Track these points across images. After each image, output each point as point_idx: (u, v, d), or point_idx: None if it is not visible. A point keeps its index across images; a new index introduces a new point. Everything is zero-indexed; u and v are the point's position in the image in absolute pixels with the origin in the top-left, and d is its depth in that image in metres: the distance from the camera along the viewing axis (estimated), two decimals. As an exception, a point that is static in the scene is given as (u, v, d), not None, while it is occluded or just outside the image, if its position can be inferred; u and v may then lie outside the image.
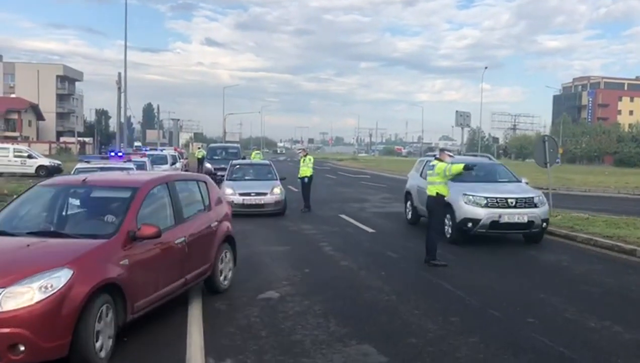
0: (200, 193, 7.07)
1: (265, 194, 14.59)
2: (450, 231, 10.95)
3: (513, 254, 10.46)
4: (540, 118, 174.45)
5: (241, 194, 14.44)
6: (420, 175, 12.77)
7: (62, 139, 76.67)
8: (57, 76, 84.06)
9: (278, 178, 15.93)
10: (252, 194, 14.50)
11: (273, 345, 5.34)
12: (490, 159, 14.55)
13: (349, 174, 40.21)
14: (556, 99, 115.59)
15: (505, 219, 10.48)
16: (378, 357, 5.08)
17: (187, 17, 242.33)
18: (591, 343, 5.55)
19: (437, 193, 9.28)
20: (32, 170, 30.94)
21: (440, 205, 9.40)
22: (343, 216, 15.04)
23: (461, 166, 9.36)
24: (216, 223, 7.02)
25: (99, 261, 4.82)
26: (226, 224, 7.38)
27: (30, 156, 31.95)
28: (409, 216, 13.71)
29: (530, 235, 11.02)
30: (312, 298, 6.96)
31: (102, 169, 12.80)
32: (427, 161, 12.03)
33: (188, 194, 6.77)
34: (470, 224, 10.54)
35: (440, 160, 9.46)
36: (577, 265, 9.38)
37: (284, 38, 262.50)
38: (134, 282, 5.08)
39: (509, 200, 10.63)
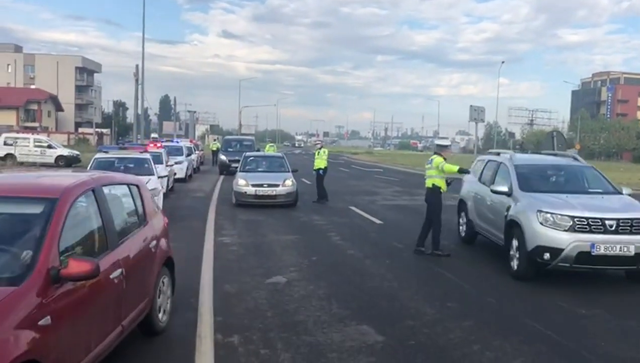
0: (134, 201, 5.29)
1: (277, 185, 14.96)
2: (516, 261, 7.93)
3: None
4: (557, 114, 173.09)
5: (254, 186, 14.82)
6: (479, 179, 10.25)
7: (80, 130, 77.73)
8: (76, 68, 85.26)
9: (290, 170, 16.29)
10: (265, 185, 14.88)
11: (277, 324, 5.71)
12: (575, 159, 9.88)
13: (362, 168, 40.49)
14: (575, 95, 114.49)
15: (600, 250, 7.15)
16: (375, 336, 5.42)
17: (204, 9, 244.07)
18: (580, 329, 5.84)
19: (434, 185, 9.63)
20: (51, 160, 31.67)
21: (436, 198, 9.61)
22: (353, 208, 15.37)
23: (455, 167, 9.69)
24: (155, 242, 5.36)
25: (1, 330, 2.99)
26: (164, 241, 5.82)
27: (49, 146, 32.69)
28: (463, 232, 10.74)
29: (637, 272, 7.72)
30: (317, 283, 7.32)
31: (119, 159, 13.28)
32: (488, 161, 10.29)
33: (120, 204, 5.00)
34: (547, 256, 7.35)
35: (439, 155, 9.69)
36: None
37: (301, 31, 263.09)
38: (59, 351, 3.38)
39: (607, 222, 7.27)
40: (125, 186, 5.31)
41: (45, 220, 3.67)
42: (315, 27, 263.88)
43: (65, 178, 4.67)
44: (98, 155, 13.51)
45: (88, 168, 12.70)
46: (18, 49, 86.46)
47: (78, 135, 71.32)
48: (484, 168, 10.33)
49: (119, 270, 4.30)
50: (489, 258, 9.39)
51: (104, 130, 78.94)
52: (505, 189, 8.56)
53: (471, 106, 37.61)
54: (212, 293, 6.77)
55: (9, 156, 31.40)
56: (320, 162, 16.69)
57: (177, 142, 26.94)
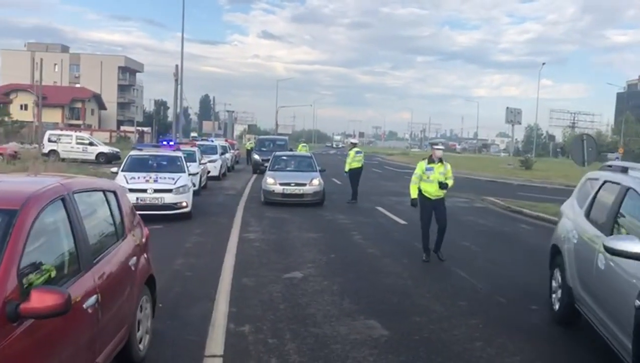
0: (111, 211, 4.47)
1: (304, 184, 15.23)
2: (557, 301, 6.08)
3: (539, 247, 10.69)
4: (601, 116, 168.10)
5: (281, 184, 15.14)
6: (588, 214, 5.80)
7: (122, 128, 79.89)
8: (119, 67, 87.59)
9: (318, 169, 16.54)
10: (292, 184, 15.17)
11: (288, 316, 5.95)
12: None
13: (395, 169, 40.44)
14: (620, 97, 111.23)
15: None
16: (381, 330, 5.60)
17: (245, 10, 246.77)
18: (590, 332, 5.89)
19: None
20: (92, 157, 32.77)
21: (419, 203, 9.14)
22: (379, 208, 15.51)
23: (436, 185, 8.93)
24: (134, 259, 4.54)
25: None
26: (145, 257, 4.96)
27: (91, 144, 33.82)
28: (556, 302, 6.23)
29: None
30: (332, 279, 7.53)
31: (153, 156, 13.77)
32: (605, 183, 5.65)
33: (94, 215, 4.19)
34: None
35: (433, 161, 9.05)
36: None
37: (340, 31, 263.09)
38: None
39: None
40: (100, 193, 4.42)
41: (2, 237, 2.86)
42: (354, 27, 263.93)
43: (29, 183, 3.91)
44: (132, 152, 14.04)
45: (122, 164, 13.20)
46: (65, 49, 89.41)
47: (119, 133, 73.34)
48: (596, 195, 5.82)
49: (94, 297, 3.49)
50: (506, 257, 9.44)
51: (145, 128, 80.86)
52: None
53: (507, 107, 37.23)
54: (231, 286, 7.06)
55: (53, 152, 32.60)
56: (354, 162, 16.74)
57: (212, 141, 27.53)
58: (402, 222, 13.17)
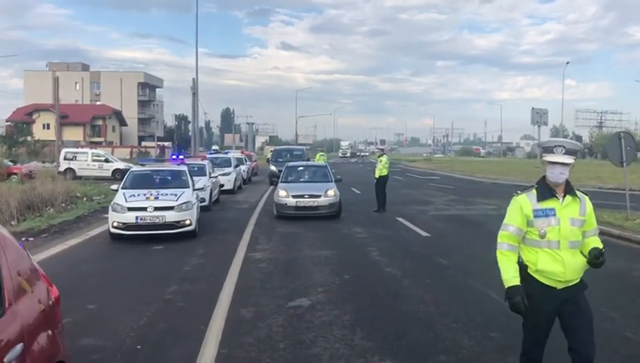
0: None
1: (319, 196, 14.28)
2: None
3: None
4: (629, 115, 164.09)
5: (294, 197, 14.21)
6: None
7: (143, 143, 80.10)
8: (139, 83, 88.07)
9: (333, 179, 15.59)
10: (306, 196, 14.23)
11: (287, 358, 4.99)
12: None
13: (417, 176, 39.26)
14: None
15: None
16: (397, 376, 4.61)
17: (263, 23, 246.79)
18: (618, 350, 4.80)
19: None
20: (108, 173, 32.27)
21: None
22: (400, 219, 14.47)
23: None
24: (20, 347, 2.65)
25: None
26: (47, 336, 3.07)
27: (107, 160, 33.35)
28: None
29: None
30: (343, 307, 6.55)
31: (156, 172, 12.98)
32: None
33: None
34: None
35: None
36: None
37: (359, 39, 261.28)
38: None
39: None
40: None
41: None
42: (373, 35, 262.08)
43: None
44: (134, 168, 13.29)
45: (123, 181, 12.42)
46: (85, 67, 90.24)
47: (140, 148, 73.43)
48: None
49: None
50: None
51: (166, 143, 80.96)
52: None
53: (533, 108, 35.82)
54: (225, 319, 6.12)
55: (69, 170, 32.22)
56: (381, 170, 16.22)
57: (226, 153, 26.78)
58: (424, 234, 12.12)
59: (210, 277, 8.11)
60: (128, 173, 12.89)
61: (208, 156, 24.75)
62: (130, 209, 10.90)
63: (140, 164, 13.58)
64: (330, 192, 14.45)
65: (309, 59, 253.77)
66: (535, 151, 59.82)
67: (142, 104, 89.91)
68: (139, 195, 11.34)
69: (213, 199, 17.54)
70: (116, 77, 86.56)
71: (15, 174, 26.69)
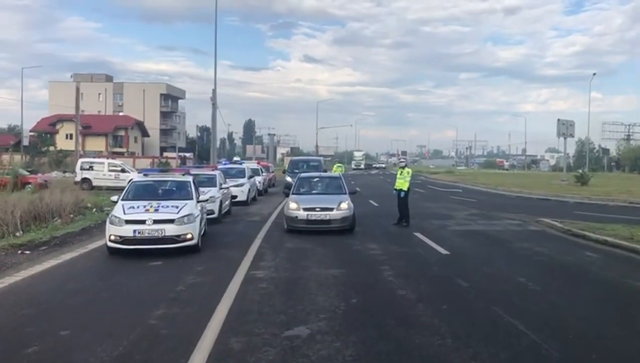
0: None
1: (331, 209, 13.48)
2: None
3: (613, 283, 8.61)
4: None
5: (305, 210, 13.43)
6: None
7: (164, 154, 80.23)
8: (161, 95, 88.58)
9: (347, 192, 14.79)
10: (317, 209, 13.44)
11: (273, 405, 4.21)
12: None
13: (439, 188, 38.21)
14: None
15: None
16: None
17: (286, 36, 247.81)
18: None
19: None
20: (124, 183, 31.75)
21: None
22: (418, 234, 13.60)
23: None
24: None
25: None
26: None
27: (123, 170, 33.02)
28: None
29: None
30: (347, 338, 5.74)
31: (159, 182, 12.34)
32: None
33: None
34: None
35: None
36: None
37: (381, 52, 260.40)
38: None
39: None
40: None
41: None
42: (395, 47, 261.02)
43: None
44: (136, 178, 12.67)
45: (123, 192, 11.80)
46: (109, 78, 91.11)
47: (161, 159, 73.50)
48: None
49: None
50: (578, 297, 7.42)
51: (187, 154, 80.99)
52: None
53: (559, 119, 34.55)
54: (209, 351, 5.36)
55: (85, 180, 31.98)
56: (402, 183, 15.62)
57: (241, 163, 26.18)
58: (444, 252, 11.24)
59: (204, 299, 7.37)
60: (129, 183, 12.28)
61: (221, 166, 24.14)
62: (128, 222, 10.24)
63: (144, 175, 12.91)
64: (344, 205, 13.64)
65: (332, 72, 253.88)
66: (561, 164, 58.03)
67: (164, 115, 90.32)
68: (138, 207, 10.68)
69: (224, 211, 16.88)
70: (139, 89, 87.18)
71: (29, 183, 26.47)
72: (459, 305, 7.16)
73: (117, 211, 10.62)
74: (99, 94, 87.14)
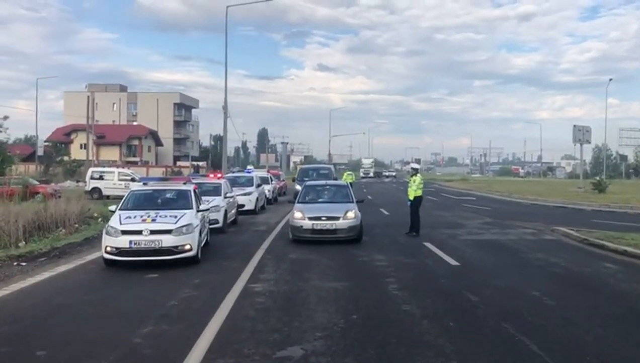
0: None
1: (337, 218, 13.03)
2: None
3: (635, 297, 8.06)
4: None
5: (310, 219, 13.00)
6: None
7: (178, 163, 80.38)
8: (175, 104, 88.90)
9: (354, 200, 14.33)
10: (323, 218, 13.00)
11: None
12: None
13: (452, 196, 37.55)
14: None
15: None
16: None
17: (300, 45, 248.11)
18: None
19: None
20: (134, 193, 31.74)
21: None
22: (427, 244, 13.10)
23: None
24: None
25: None
26: None
27: (133, 179, 32.80)
28: None
29: None
30: (342, 360, 5.29)
31: (158, 191, 12.00)
32: None
33: None
34: None
35: None
36: None
37: (395, 60, 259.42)
38: None
39: None
40: None
41: None
42: (409, 55, 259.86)
43: None
44: (134, 187, 12.35)
45: (121, 202, 11.47)
46: (123, 88, 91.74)
47: (174, 168, 73.60)
48: None
49: None
50: (594, 314, 6.89)
51: (200, 163, 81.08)
52: None
53: (574, 125, 33.80)
54: (192, 374, 4.95)
55: (95, 189, 31.89)
56: (414, 191, 15.08)
57: (249, 172, 25.86)
58: (453, 263, 10.73)
59: (196, 315, 6.96)
60: (128, 192, 11.95)
61: (228, 174, 23.81)
62: (124, 232, 9.88)
63: (143, 184, 12.58)
64: (350, 214, 13.19)
65: (345, 80, 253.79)
66: (577, 171, 56.93)
67: (178, 125, 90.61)
68: (135, 217, 10.33)
69: (229, 221, 16.51)
70: (152, 98, 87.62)
71: (37, 193, 26.34)
72: (466, 322, 6.67)
73: (114, 221, 10.28)
74: (113, 104, 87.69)
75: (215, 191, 16.38)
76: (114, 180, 32.56)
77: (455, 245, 13.28)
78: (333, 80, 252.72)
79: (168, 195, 11.79)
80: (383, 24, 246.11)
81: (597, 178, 40.48)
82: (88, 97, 37.18)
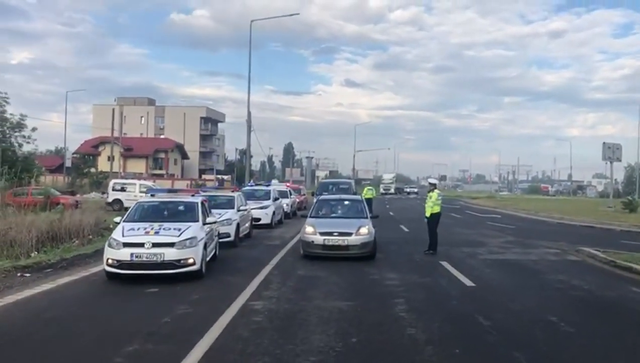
0: None
1: (349, 234, 12.58)
2: None
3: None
4: None
5: (322, 234, 12.58)
6: None
7: (203, 176, 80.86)
8: (201, 118, 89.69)
9: (369, 216, 13.87)
10: (335, 234, 12.57)
11: None
12: None
13: (477, 214, 36.72)
14: None
15: None
16: None
17: (328, 61, 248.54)
18: None
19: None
20: (155, 205, 31.81)
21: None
22: (444, 263, 12.54)
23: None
24: None
25: None
26: None
27: (154, 192, 32.97)
28: None
29: None
30: (332, 389, 4.86)
31: (165, 203, 11.75)
32: None
33: None
34: None
35: None
36: None
37: (423, 76, 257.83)
38: None
39: None
40: None
41: None
42: (437, 71, 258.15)
43: None
44: (142, 198, 12.12)
45: (127, 213, 11.24)
46: (151, 102, 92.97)
47: (198, 181, 74.04)
48: None
49: None
50: (611, 344, 6.31)
51: (225, 176, 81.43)
52: None
53: (604, 143, 32.79)
54: (167, 400, 4.58)
55: (117, 201, 32.04)
56: (431, 208, 14.46)
57: (268, 185, 25.57)
58: (469, 284, 10.18)
59: (186, 333, 6.59)
60: (135, 203, 11.72)
61: (245, 188, 23.58)
62: (125, 245, 9.62)
63: (151, 195, 12.35)
64: (364, 230, 12.73)
65: (373, 95, 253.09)
66: (608, 190, 55.21)
67: (204, 138, 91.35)
68: (138, 229, 10.07)
69: (242, 234, 16.21)
70: (179, 112, 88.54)
71: (58, 203, 26.51)
72: (474, 349, 6.17)
73: (116, 233, 10.04)
74: (141, 117, 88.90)
75: (229, 204, 16.12)
76: (135, 192, 32.65)
77: (474, 264, 12.70)
78: (360, 95, 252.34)
79: (174, 207, 11.52)
80: (412, 40, 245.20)
81: (629, 197, 39.15)
82: (113, 110, 37.60)
